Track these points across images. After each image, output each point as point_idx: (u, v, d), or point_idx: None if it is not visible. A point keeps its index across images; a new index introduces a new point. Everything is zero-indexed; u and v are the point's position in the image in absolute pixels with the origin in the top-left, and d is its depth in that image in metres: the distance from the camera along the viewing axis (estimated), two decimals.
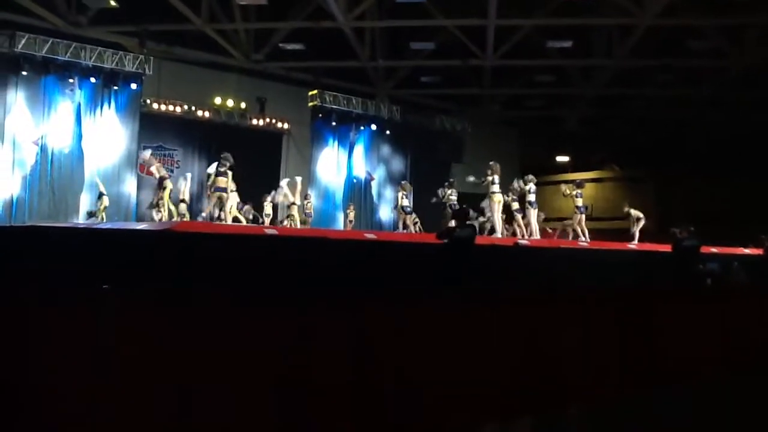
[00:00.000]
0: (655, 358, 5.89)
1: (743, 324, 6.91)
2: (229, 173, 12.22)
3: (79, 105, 16.70)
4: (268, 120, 21.09)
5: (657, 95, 22.34)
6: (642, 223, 15.56)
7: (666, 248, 11.23)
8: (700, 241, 10.07)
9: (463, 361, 4.57)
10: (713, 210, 15.31)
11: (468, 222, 8.36)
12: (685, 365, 6.11)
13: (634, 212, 15.81)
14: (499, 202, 13.39)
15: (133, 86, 17.40)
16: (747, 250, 13.45)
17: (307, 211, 17.93)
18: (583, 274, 9.92)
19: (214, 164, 12.45)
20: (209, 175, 12.59)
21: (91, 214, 15.61)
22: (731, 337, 6.73)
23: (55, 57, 16.13)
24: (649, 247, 14.08)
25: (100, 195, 15.56)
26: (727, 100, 21.31)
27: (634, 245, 14.43)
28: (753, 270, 11.31)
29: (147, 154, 15.59)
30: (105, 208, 15.38)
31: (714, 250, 13.61)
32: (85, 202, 16.43)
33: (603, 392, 5.41)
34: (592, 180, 27.24)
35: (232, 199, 13.54)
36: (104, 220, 14.83)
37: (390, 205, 21.51)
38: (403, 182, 16.94)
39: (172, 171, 19.35)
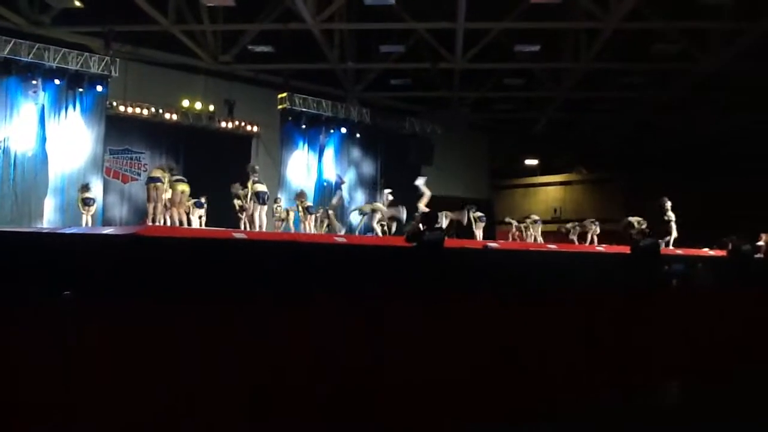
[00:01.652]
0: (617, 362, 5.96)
1: (709, 324, 7.03)
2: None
3: (43, 107, 16.37)
4: (236, 123, 20.91)
5: (624, 98, 22.67)
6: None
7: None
8: (658, 241, 10.22)
9: (435, 362, 4.58)
10: (681, 212, 15.60)
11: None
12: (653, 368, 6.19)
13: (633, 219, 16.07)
14: None
15: (99, 88, 17.11)
16: (711, 252, 13.69)
17: (277, 214, 17.82)
18: (550, 277, 10.00)
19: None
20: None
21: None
22: (697, 339, 6.83)
23: (18, 58, 15.76)
24: (615, 249, 14.26)
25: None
26: (694, 102, 21.70)
27: (601, 248, 14.64)
28: (717, 271, 11.49)
29: None
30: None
31: (679, 251, 13.84)
32: (50, 207, 16.11)
33: (579, 394, 5.45)
34: (560, 183, 27.61)
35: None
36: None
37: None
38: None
39: (138, 174, 19.12)
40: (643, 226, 15.51)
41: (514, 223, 18.03)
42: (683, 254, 13.30)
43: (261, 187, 12.73)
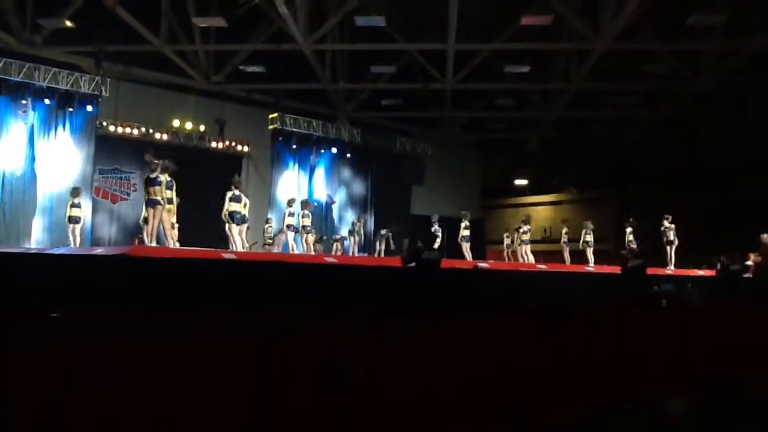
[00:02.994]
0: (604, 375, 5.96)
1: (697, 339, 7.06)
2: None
3: (32, 126, 16.32)
4: (227, 143, 20.92)
5: (615, 117, 22.81)
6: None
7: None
8: (645, 261, 10.29)
9: (430, 372, 4.60)
10: (675, 229, 15.67)
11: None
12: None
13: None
14: None
15: (89, 108, 17.08)
16: (701, 272, 13.74)
17: (267, 234, 17.80)
18: (540, 296, 9.99)
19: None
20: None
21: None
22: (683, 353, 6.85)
23: (8, 78, 15.76)
24: (605, 269, 14.29)
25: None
26: (684, 121, 21.84)
27: (591, 268, 14.66)
28: (706, 291, 11.53)
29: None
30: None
31: (669, 271, 13.88)
32: (38, 226, 16.00)
33: (567, 405, 5.45)
34: (551, 203, 27.69)
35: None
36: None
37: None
38: (303, 200, 16.80)
39: (128, 194, 19.04)
40: (633, 245, 15.54)
41: (506, 242, 18.15)
42: (673, 274, 13.34)
43: (234, 207, 11.89)
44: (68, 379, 3.17)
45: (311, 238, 15.99)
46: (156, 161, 11.14)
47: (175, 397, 3.46)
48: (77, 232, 14.09)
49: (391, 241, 18.61)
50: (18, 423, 3.05)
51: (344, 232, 21.39)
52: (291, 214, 15.53)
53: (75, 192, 14.49)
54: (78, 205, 14.26)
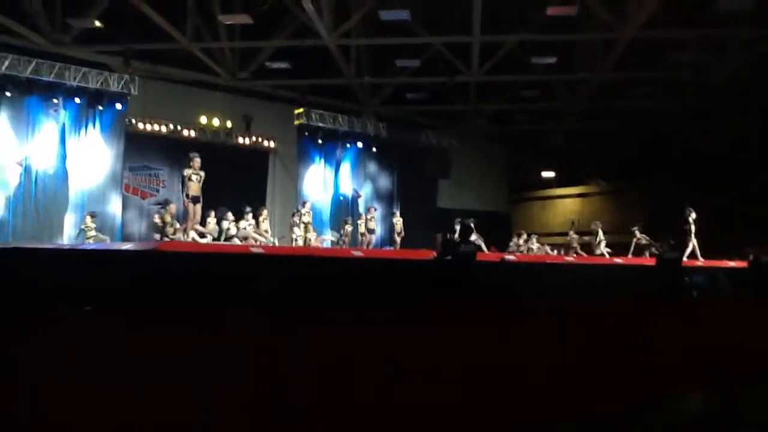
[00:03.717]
0: (640, 371, 5.90)
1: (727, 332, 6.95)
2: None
3: (64, 125, 16.62)
4: (254, 138, 21.05)
5: (641, 107, 22.52)
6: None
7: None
8: (680, 253, 10.21)
9: (454, 374, 4.57)
10: (701, 221, 15.45)
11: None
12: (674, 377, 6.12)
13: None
14: None
15: (118, 106, 17.34)
16: (732, 263, 13.53)
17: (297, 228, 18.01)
18: (569, 288, 9.94)
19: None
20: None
21: None
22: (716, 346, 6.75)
23: (39, 78, 16.05)
24: (636, 261, 14.15)
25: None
26: (711, 110, 21.51)
27: (620, 260, 14.50)
28: (737, 282, 11.36)
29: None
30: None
31: (699, 263, 13.69)
32: (69, 223, 16.30)
33: (593, 407, 5.40)
34: (579, 195, 27.44)
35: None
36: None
37: (379, 223, 21.60)
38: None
39: (157, 191, 19.28)
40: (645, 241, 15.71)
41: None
42: (704, 266, 13.15)
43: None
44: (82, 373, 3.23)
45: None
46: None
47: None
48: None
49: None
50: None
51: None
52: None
53: (91, 215, 14.85)
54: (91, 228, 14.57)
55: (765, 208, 19.33)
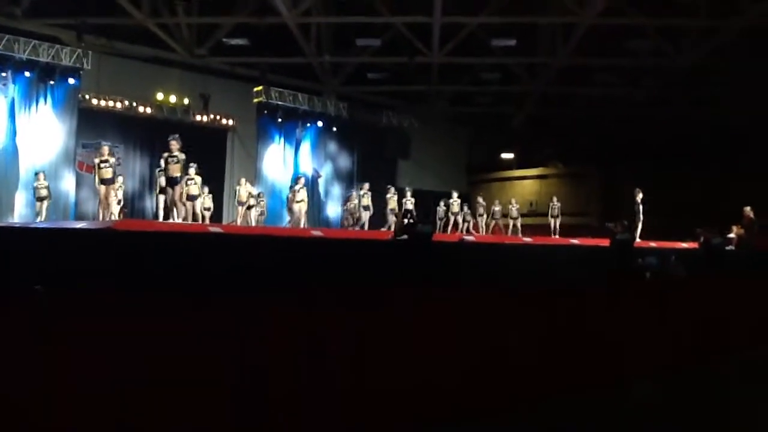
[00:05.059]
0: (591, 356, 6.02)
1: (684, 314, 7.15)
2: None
3: (13, 100, 16.13)
4: (212, 116, 20.76)
5: (600, 93, 22.84)
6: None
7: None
8: (632, 235, 10.45)
9: (419, 357, 4.61)
10: (656, 205, 15.84)
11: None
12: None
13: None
14: None
15: (71, 81, 16.90)
16: (684, 245, 13.88)
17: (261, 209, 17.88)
18: (526, 270, 10.07)
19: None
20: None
21: None
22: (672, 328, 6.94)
23: None
24: (591, 242, 14.40)
25: None
26: (669, 97, 21.93)
27: (576, 241, 14.76)
28: (690, 263, 11.68)
29: None
30: None
31: (653, 244, 14.01)
32: (20, 201, 15.86)
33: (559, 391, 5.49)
34: (536, 177, 27.77)
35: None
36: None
37: (338, 202, 21.58)
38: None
39: None
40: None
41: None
42: (657, 247, 13.46)
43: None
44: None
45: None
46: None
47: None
48: (43, 209, 14.37)
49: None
50: None
51: (331, 206, 21.44)
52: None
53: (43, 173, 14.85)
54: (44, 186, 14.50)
55: (717, 192, 19.89)
